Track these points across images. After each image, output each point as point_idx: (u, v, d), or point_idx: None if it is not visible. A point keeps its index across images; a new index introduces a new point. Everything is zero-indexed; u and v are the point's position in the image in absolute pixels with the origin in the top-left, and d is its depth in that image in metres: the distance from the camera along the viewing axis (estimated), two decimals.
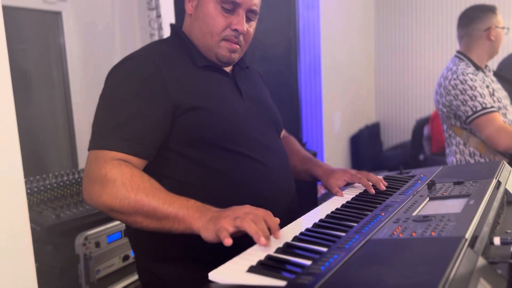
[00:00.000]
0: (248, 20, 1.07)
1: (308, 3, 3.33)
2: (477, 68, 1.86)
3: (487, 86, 1.81)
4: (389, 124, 4.59)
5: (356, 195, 1.12)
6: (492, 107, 1.73)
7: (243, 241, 0.79)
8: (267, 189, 1.07)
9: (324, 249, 0.75)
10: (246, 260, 0.74)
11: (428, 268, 0.60)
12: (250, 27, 1.08)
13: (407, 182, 1.20)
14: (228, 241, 0.76)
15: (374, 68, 4.57)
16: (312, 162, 1.27)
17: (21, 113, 0.90)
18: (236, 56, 1.09)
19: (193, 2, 1.07)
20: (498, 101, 1.81)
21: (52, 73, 2.09)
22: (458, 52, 1.93)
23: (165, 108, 0.97)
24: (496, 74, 2.03)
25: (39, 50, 2.04)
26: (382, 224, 0.84)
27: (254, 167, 1.06)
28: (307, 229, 0.87)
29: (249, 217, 0.79)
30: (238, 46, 1.07)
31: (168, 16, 2.17)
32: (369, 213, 0.94)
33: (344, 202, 1.06)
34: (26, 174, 0.92)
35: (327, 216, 0.96)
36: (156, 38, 2.13)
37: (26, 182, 1.30)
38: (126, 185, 0.87)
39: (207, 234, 0.81)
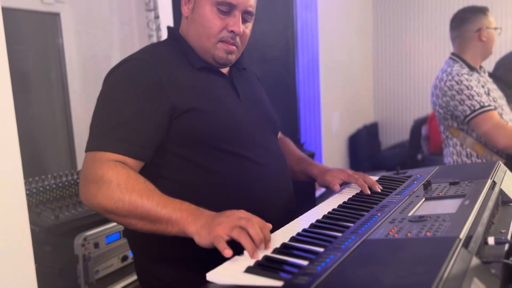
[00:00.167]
0: (244, 21, 1.07)
1: (306, 4, 3.34)
2: (472, 69, 1.87)
3: (483, 86, 1.82)
4: (387, 124, 4.61)
5: (353, 196, 1.12)
6: (489, 105, 1.75)
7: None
8: (265, 190, 1.08)
9: (321, 250, 0.76)
10: (244, 260, 0.75)
11: (422, 268, 0.61)
12: (246, 28, 1.09)
13: (403, 182, 1.20)
14: (228, 253, 0.76)
15: (372, 68, 4.59)
16: (307, 162, 1.28)
17: (20, 114, 0.91)
18: (233, 58, 1.10)
19: (189, 5, 1.08)
20: (494, 101, 1.82)
21: (50, 74, 2.09)
22: (452, 54, 1.95)
23: (162, 109, 0.98)
24: (491, 75, 2.04)
25: (38, 51, 2.04)
26: (378, 224, 0.85)
27: (252, 168, 1.07)
28: (304, 230, 0.88)
29: (243, 223, 0.79)
30: (234, 48, 1.08)
31: (166, 17, 2.18)
32: (366, 213, 0.95)
33: (341, 202, 1.07)
34: (25, 175, 0.93)
35: (324, 216, 0.96)
36: (154, 39, 2.14)
37: (25, 183, 1.31)
38: (121, 186, 0.87)
39: (201, 240, 0.82)
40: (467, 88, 1.76)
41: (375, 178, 1.28)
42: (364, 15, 4.39)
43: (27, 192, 1.34)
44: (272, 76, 2.27)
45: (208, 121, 1.02)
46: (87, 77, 2.13)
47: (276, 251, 0.78)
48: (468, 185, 1.05)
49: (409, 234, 0.76)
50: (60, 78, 2.11)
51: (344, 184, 1.22)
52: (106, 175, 0.88)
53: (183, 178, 1.03)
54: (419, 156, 3.79)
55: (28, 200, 1.32)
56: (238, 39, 1.07)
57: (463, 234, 0.72)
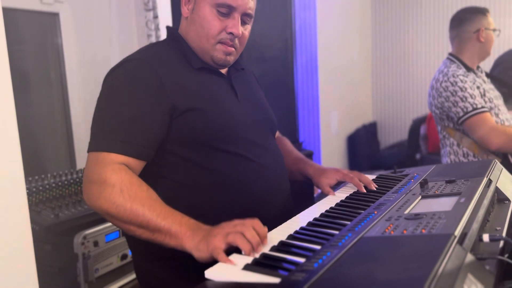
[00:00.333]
0: (243, 23, 1.08)
1: (304, 4, 3.35)
2: (468, 69, 1.89)
3: (478, 87, 1.83)
4: (386, 124, 4.62)
5: (350, 194, 1.13)
6: (483, 107, 1.76)
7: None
8: (263, 189, 1.09)
9: (318, 247, 0.77)
10: (242, 258, 0.76)
11: (417, 264, 0.62)
12: (245, 30, 1.10)
13: (400, 181, 1.22)
14: (231, 262, 0.76)
15: (371, 68, 4.60)
16: (304, 162, 1.29)
17: (19, 114, 0.91)
18: (231, 59, 1.11)
19: (189, 5, 1.09)
20: (490, 101, 1.83)
21: (49, 74, 2.10)
22: (450, 54, 1.96)
23: (163, 109, 0.98)
24: (488, 75, 2.05)
25: (37, 51, 2.05)
26: (374, 222, 0.86)
27: (250, 168, 1.08)
28: (301, 228, 0.89)
29: (238, 229, 0.80)
30: (233, 49, 1.09)
31: (165, 17, 2.19)
32: (362, 211, 0.96)
33: (338, 201, 1.08)
34: (25, 174, 0.94)
35: (321, 215, 0.97)
36: (153, 38, 2.14)
37: (25, 182, 1.31)
38: (124, 192, 0.88)
39: (200, 255, 0.83)
40: (461, 89, 1.77)
41: (372, 177, 1.29)
42: (363, 15, 4.40)
43: (27, 191, 1.34)
44: (271, 75, 2.27)
45: (207, 121, 1.03)
46: (86, 76, 2.14)
47: (273, 248, 0.79)
48: (464, 183, 1.06)
49: (405, 232, 0.77)
50: (59, 78, 2.12)
51: (340, 183, 1.23)
52: (110, 179, 0.89)
53: (183, 177, 1.03)
54: (418, 156, 3.80)
55: (27, 199, 1.32)
56: (237, 41, 1.08)
57: (458, 231, 0.73)
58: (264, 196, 1.09)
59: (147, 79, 0.99)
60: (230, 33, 1.05)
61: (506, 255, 0.77)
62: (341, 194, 1.15)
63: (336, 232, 0.84)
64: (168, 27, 1.16)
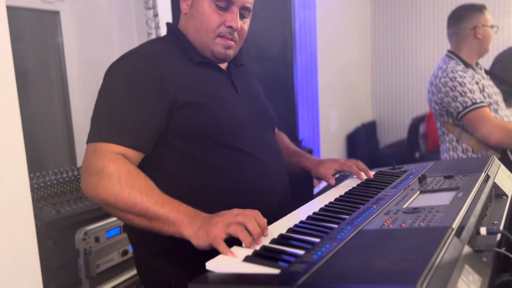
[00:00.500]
0: (242, 17, 1.09)
1: (304, 2, 3.35)
2: (467, 65, 1.90)
3: (477, 82, 1.85)
4: (385, 123, 4.63)
5: (349, 189, 1.15)
6: (482, 102, 1.77)
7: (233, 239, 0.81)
8: (262, 183, 1.10)
9: (317, 240, 0.78)
10: (242, 250, 0.77)
11: (414, 255, 0.63)
12: (244, 24, 1.11)
13: (399, 176, 1.23)
14: (232, 254, 0.76)
15: (371, 67, 4.61)
16: (301, 155, 1.32)
17: (20, 112, 0.92)
18: (231, 53, 1.11)
19: (188, 1, 1.10)
20: (489, 97, 1.84)
21: (50, 72, 2.11)
22: (449, 51, 1.97)
23: (162, 103, 0.99)
24: (488, 72, 2.07)
25: (37, 49, 2.06)
26: (373, 216, 0.87)
27: (249, 162, 1.09)
28: (301, 221, 0.90)
29: (240, 219, 0.81)
30: (233, 43, 1.10)
31: (165, 15, 2.19)
32: (361, 206, 0.97)
33: (337, 196, 1.09)
34: None
35: (321, 209, 0.98)
36: (153, 37, 2.15)
37: None
38: (121, 181, 0.89)
39: (198, 242, 0.83)
40: (460, 84, 1.79)
41: (371, 173, 1.30)
42: (363, 14, 4.41)
43: None
44: (270, 74, 2.28)
45: (206, 115, 1.04)
46: (87, 74, 2.15)
47: (273, 241, 0.80)
48: (462, 178, 1.07)
49: (403, 225, 0.78)
50: (59, 76, 2.13)
51: (338, 174, 1.25)
52: (107, 168, 0.90)
53: (181, 171, 1.04)
54: (417, 154, 3.81)
55: None
56: (236, 34, 1.09)
57: (455, 224, 0.74)
58: (263, 190, 1.10)
59: (147, 73, 1.00)
60: (229, 26, 1.06)
61: (504, 249, 0.78)
62: (340, 190, 1.16)
63: (335, 225, 0.85)
64: (168, 23, 1.18)
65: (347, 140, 4.09)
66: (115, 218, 1.40)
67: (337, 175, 1.27)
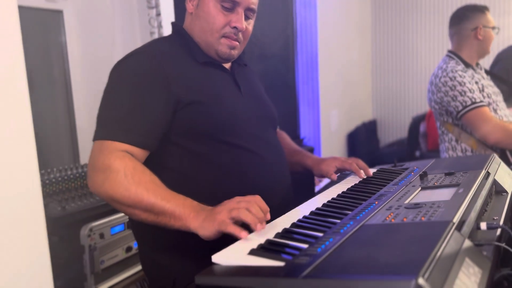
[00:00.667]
0: (247, 18, 1.11)
1: (305, 2, 3.37)
2: (467, 65, 1.91)
3: (476, 82, 1.86)
4: (385, 122, 4.64)
5: (351, 186, 1.16)
6: (481, 101, 1.79)
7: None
8: (264, 180, 1.12)
9: (320, 234, 0.80)
10: (247, 244, 0.78)
11: (416, 248, 0.64)
12: (249, 25, 1.13)
13: (400, 174, 1.24)
14: (244, 234, 0.79)
15: (371, 66, 4.62)
16: (302, 154, 1.34)
17: None
18: (235, 53, 1.13)
19: (193, 1, 1.11)
20: (488, 97, 1.86)
21: (53, 71, 2.12)
22: (449, 51, 1.99)
23: (167, 101, 1.01)
24: (488, 72, 2.08)
25: (41, 48, 2.07)
26: (375, 211, 0.88)
27: (252, 160, 1.10)
28: (304, 216, 0.92)
29: (242, 205, 0.83)
30: (237, 43, 1.11)
31: (167, 14, 2.21)
32: (364, 202, 0.99)
33: (340, 192, 1.10)
34: None
35: (323, 205, 1.00)
36: (156, 36, 2.17)
37: None
38: (128, 177, 0.91)
39: (205, 233, 0.85)
40: (460, 84, 1.80)
41: (372, 170, 1.32)
42: (363, 13, 4.43)
43: None
44: (272, 72, 2.30)
45: (211, 113, 1.06)
46: (90, 73, 2.17)
47: (277, 235, 0.82)
48: (463, 175, 1.08)
49: (405, 219, 0.79)
50: (63, 75, 2.14)
51: (339, 172, 1.27)
52: (114, 164, 0.91)
53: (186, 168, 1.06)
54: (417, 153, 3.83)
55: None
56: (240, 35, 1.11)
57: (456, 219, 0.75)
58: (265, 187, 1.11)
59: (152, 72, 1.02)
60: (234, 27, 1.08)
61: (503, 243, 0.79)
62: (342, 186, 1.17)
63: (338, 220, 0.87)
64: (173, 23, 1.19)
65: (348, 139, 4.10)
66: (119, 215, 1.42)
67: (338, 174, 1.29)
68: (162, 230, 1.04)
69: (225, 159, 1.07)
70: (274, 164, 1.16)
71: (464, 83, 1.80)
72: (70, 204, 1.33)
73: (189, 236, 1.03)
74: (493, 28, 1.94)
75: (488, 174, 1.10)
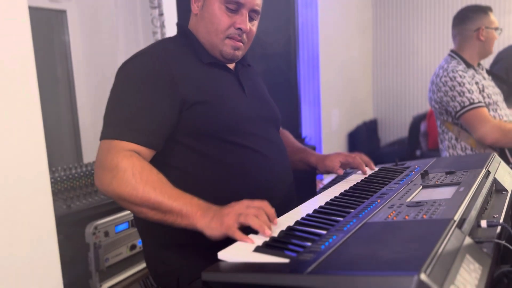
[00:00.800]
0: (251, 19, 1.13)
1: (306, 2, 3.38)
2: (468, 65, 1.93)
3: (477, 83, 1.88)
4: (386, 121, 4.66)
5: (354, 185, 1.18)
6: (479, 102, 1.80)
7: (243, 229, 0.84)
8: (267, 179, 1.13)
9: (324, 232, 0.81)
10: (251, 243, 0.80)
11: (418, 245, 0.66)
12: (253, 26, 1.14)
13: (402, 172, 1.26)
14: (251, 241, 0.80)
15: (372, 65, 4.63)
16: (306, 152, 1.37)
17: None
18: (239, 53, 1.15)
19: (198, 3, 1.13)
20: (488, 97, 1.87)
21: (56, 70, 2.14)
22: (451, 51, 2.00)
23: (173, 101, 1.03)
24: (488, 72, 2.10)
25: (44, 47, 2.09)
26: (377, 209, 0.90)
27: (255, 159, 1.12)
28: (307, 215, 0.93)
29: (251, 211, 0.85)
30: (241, 44, 1.13)
31: (170, 14, 2.22)
32: (366, 200, 1.00)
33: (342, 190, 1.12)
34: None
35: (326, 203, 1.01)
36: (158, 35, 2.18)
37: None
38: (136, 176, 0.92)
39: (211, 232, 0.87)
40: (459, 84, 1.82)
41: (374, 169, 1.33)
42: (364, 12, 4.44)
43: None
44: (274, 72, 2.31)
45: (215, 113, 1.07)
46: (93, 73, 2.18)
47: (282, 233, 0.83)
48: (464, 174, 1.10)
49: (406, 217, 0.81)
50: (66, 74, 2.16)
51: (343, 166, 1.30)
52: (121, 163, 0.93)
53: (190, 167, 1.07)
54: (418, 152, 3.84)
55: None
56: (244, 36, 1.12)
57: (457, 216, 0.77)
58: (269, 185, 1.13)
59: (158, 72, 1.03)
60: (239, 28, 1.09)
61: (503, 241, 0.81)
62: (344, 185, 1.19)
63: (341, 218, 0.88)
64: (178, 24, 1.21)
65: (349, 138, 4.12)
66: (124, 213, 1.44)
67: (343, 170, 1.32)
68: (167, 228, 1.06)
69: (229, 158, 1.09)
70: (277, 163, 1.17)
71: (464, 84, 1.82)
72: (75, 203, 1.35)
73: (194, 234, 1.04)
74: (496, 29, 1.95)
75: (488, 173, 1.12)
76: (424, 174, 1.13)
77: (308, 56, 3.47)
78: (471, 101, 1.80)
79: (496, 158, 1.29)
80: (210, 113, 1.07)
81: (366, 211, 0.90)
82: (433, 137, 3.79)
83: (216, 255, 0.78)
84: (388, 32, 4.50)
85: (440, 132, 2.01)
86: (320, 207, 0.98)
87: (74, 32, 2.12)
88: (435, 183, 1.06)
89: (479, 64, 2.02)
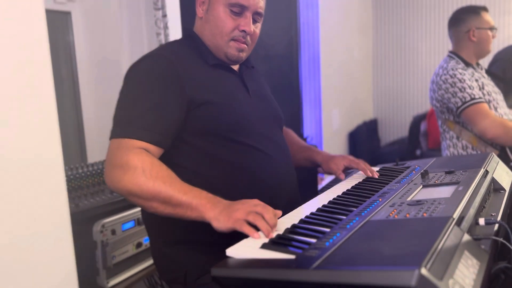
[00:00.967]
0: (254, 21, 1.16)
1: (307, 2, 3.41)
2: (467, 64, 1.97)
3: (476, 80, 1.91)
4: (386, 121, 4.69)
5: (356, 184, 1.21)
6: (480, 97, 1.84)
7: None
8: (271, 177, 1.16)
9: (328, 230, 0.84)
10: (259, 239, 0.83)
11: (418, 241, 0.69)
12: (256, 28, 1.17)
13: (402, 172, 1.29)
14: (257, 235, 0.83)
15: (372, 66, 4.66)
16: (311, 150, 1.40)
17: None
18: (243, 55, 1.18)
19: (204, 6, 1.16)
20: (488, 95, 1.91)
21: (61, 71, 2.17)
22: (450, 51, 2.04)
23: (181, 101, 1.06)
24: (488, 72, 2.13)
25: (49, 48, 2.11)
26: (379, 208, 0.93)
27: (259, 158, 1.15)
28: (311, 213, 0.96)
29: (259, 209, 0.88)
30: (245, 46, 1.16)
31: (173, 15, 2.25)
32: (368, 199, 1.03)
33: (345, 190, 1.15)
34: None
35: (329, 202, 1.04)
36: (162, 37, 2.21)
37: None
38: (146, 172, 0.95)
39: (219, 225, 0.90)
40: (460, 81, 1.85)
41: (375, 169, 1.36)
42: (364, 13, 4.47)
43: None
44: (276, 73, 2.33)
45: (221, 113, 1.10)
46: (97, 73, 2.21)
47: (287, 231, 0.86)
48: (463, 173, 1.13)
49: (407, 215, 0.84)
50: (70, 75, 2.18)
51: (346, 170, 1.32)
52: (132, 161, 0.96)
53: (196, 166, 1.10)
54: (418, 152, 3.87)
55: None
56: (248, 38, 1.15)
57: (456, 214, 0.80)
58: (273, 184, 1.16)
59: (167, 73, 1.07)
60: (243, 30, 1.12)
61: (501, 238, 0.84)
62: (346, 184, 1.22)
63: (344, 217, 0.91)
64: (184, 28, 1.24)
65: (349, 138, 4.14)
66: (130, 212, 1.46)
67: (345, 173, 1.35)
68: (174, 226, 1.10)
69: (234, 157, 1.12)
70: (281, 162, 1.20)
71: (464, 80, 1.85)
72: (83, 201, 1.38)
73: (200, 232, 1.07)
74: (491, 29, 1.98)
75: (486, 172, 1.15)
76: (424, 174, 1.16)
77: (309, 57, 3.49)
78: (472, 96, 1.83)
79: (495, 158, 1.32)
80: (215, 113, 1.10)
81: (368, 209, 0.93)
82: (433, 137, 3.82)
83: (222, 252, 0.81)
84: (388, 32, 4.53)
85: (442, 132, 2.04)
86: (324, 205, 1.01)
87: (78, 33, 2.15)
88: (435, 182, 1.09)
89: (478, 64, 2.05)
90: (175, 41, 1.23)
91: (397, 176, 1.24)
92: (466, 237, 0.75)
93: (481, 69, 2.06)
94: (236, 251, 0.78)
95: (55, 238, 1.02)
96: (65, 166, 1.59)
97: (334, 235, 0.79)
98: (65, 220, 1.04)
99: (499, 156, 1.43)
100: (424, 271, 0.58)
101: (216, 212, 0.91)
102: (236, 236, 0.86)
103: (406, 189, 1.07)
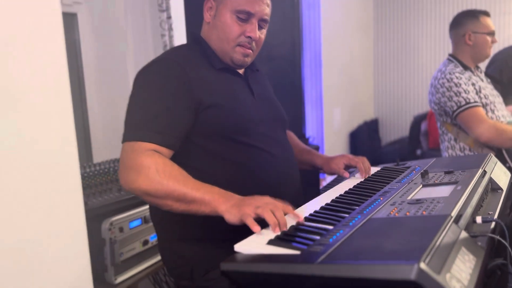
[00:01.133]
0: (260, 28, 1.20)
1: (309, 3, 3.44)
2: (465, 68, 2.00)
3: (473, 84, 1.95)
4: (387, 120, 4.72)
5: (357, 183, 1.24)
6: (475, 102, 1.88)
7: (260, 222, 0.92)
8: (276, 177, 1.20)
9: (331, 227, 0.88)
10: (265, 235, 0.87)
11: (418, 238, 0.73)
12: (262, 34, 1.21)
13: (403, 172, 1.32)
14: (257, 228, 0.88)
15: (373, 66, 4.69)
16: (312, 153, 1.44)
17: None
18: (249, 60, 1.22)
19: (211, 12, 1.20)
20: (485, 98, 1.94)
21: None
22: (449, 54, 2.08)
23: (190, 104, 1.10)
24: (486, 74, 2.17)
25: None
26: (380, 206, 0.97)
27: (264, 158, 1.19)
28: (315, 211, 1.00)
29: (270, 207, 0.92)
30: (251, 51, 1.20)
31: (178, 17, 2.29)
32: (369, 198, 1.07)
33: (347, 189, 1.19)
34: None
35: (332, 200, 1.08)
36: (166, 38, 2.24)
37: None
38: (159, 172, 0.99)
39: (230, 217, 0.94)
40: (456, 85, 1.89)
41: (376, 169, 1.40)
42: (365, 13, 4.50)
43: None
44: (279, 73, 2.36)
45: (228, 115, 1.14)
46: (103, 74, 2.24)
47: (292, 228, 0.90)
48: (461, 173, 1.17)
49: (407, 214, 0.88)
50: (76, 76, 2.22)
51: (347, 168, 1.37)
52: (145, 162, 1.00)
53: (204, 166, 1.14)
54: (419, 152, 3.90)
55: None
56: (254, 43, 1.19)
57: (454, 213, 0.84)
58: (278, 184, 1.20)
59: (176, 77, 1.10)
60: (249, 36, 1.16)
61: (497, 235, 0.87)
62: (347, 184, 1.25)
63: (346, 215, 0.95)
64: (191, 32, 1.28)
65: (350, 138, 4.18)
66: (137, 210, 1.50)
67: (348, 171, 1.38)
68: (181, 223, 1.14)
69: (240, 158, 1.15)
70: (286, 162, 1.24)
71: (460, 84, 1.89)
72: (92, 200, 1.41)
73: (207, 229, 1.12)
74: (489, 33, 2.00)
75: (484, 172, 1.18)
76: (424, 174, 1.20)
77: (310, 57, 3.53)
78: (467, 100, 1.87)
79: (493, 158, 1.36)
80: (222, 115, 1.14)
81: (370, 207, 0.97)
82: (433, 137, 3.85)
83: (228, 248, 0.85)
84: (389, 32, 4.56)
85: (440, 133, 2.08)
86: (327, 204, 1.05)
87: (84, 34, 2.19)
88: (434, 182, 1.13)
89: (477, 67, 2.08)
90: (183, 45, 1.27)
91: (397, 176, 1.28)
92: (464, 234, 0.79)
93: (480, 72, 2.09)
94: (244, 247, 0.82)
95: (71, 236, 1.07)
96: None
97: (338, 232, 0.82)
98: (80, 218, 1.09)
99: (495, 157, 1.47)
100: (423, 265, 0.61)
101: (228, 205, 0.95)
102: (243, 233, 0.90)
103: (407, 189, 1.10)
